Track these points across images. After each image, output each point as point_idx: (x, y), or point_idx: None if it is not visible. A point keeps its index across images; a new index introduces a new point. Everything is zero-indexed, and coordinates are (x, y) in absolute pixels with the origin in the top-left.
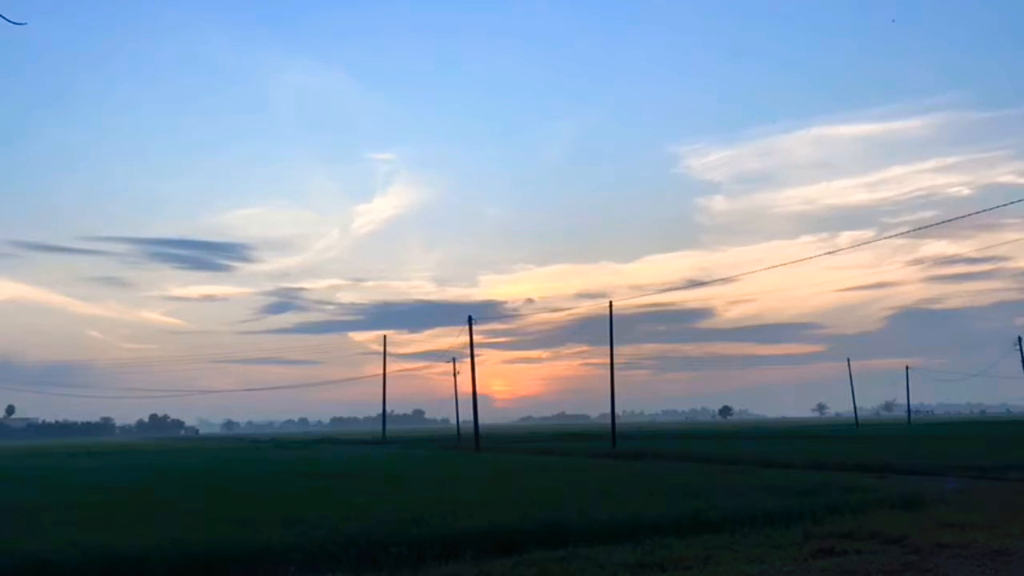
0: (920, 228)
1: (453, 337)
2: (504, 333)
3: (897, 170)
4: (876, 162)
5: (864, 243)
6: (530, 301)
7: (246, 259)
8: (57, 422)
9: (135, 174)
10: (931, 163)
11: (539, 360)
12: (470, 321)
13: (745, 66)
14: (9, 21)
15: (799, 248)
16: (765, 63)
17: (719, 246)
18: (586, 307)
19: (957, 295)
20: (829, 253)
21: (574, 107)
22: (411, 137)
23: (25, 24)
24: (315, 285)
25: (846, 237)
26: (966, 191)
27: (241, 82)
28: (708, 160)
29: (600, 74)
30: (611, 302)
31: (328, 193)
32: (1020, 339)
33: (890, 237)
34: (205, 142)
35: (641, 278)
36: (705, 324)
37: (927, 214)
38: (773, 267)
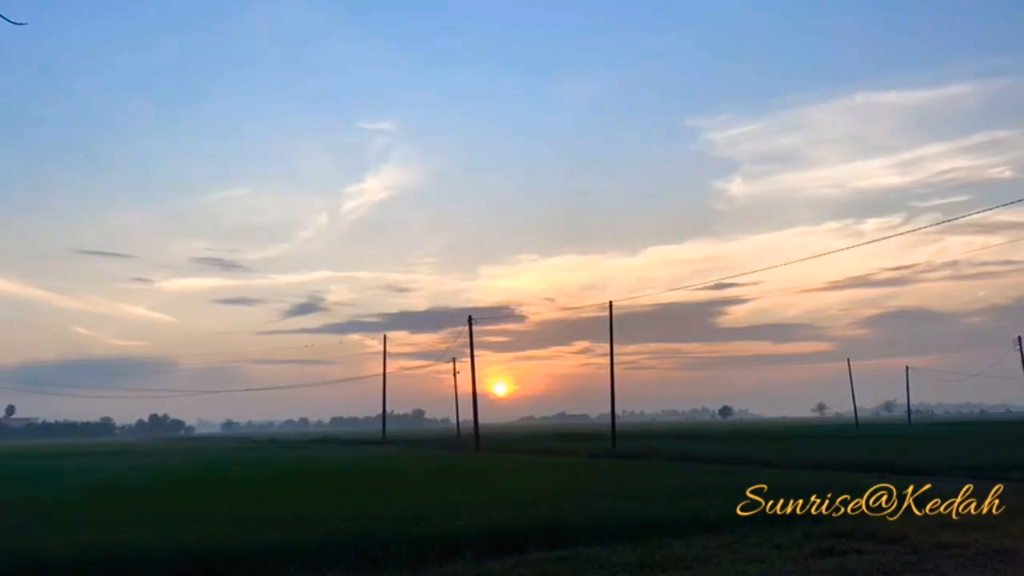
0: (939, 223)
1: (453, 336)
2: (505, 333)
3: (936, 147)
4: (915, 136)
5: (883, 237)
6: (550, 300)
7: (237, 251)
8: (57, 422)
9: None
10: (979, 137)
11: (540, 359)
12: (470, 321)
13: (777, 27)
14: (9, 21)
15: (820, 237)
16: (799, 22)
17: (734, 235)
18: (588, 305)
19: (962, 293)
20: (831, 253)
21: (587, 71)
22: (411, 102)
23: (25, 24)
24: (306, 279)
25: (872, 224)
26: (1007, 172)
27: (206, 15)
28: (730, 135)
29: (620, 32)
30: (611, 302)
31: (317, 172)
32: (1020, 339)
33: (907, 233)
34: (175, 102)
35: (649, 272)
36: (710, 323)
37: (960, 199)
38: (789, 263)
